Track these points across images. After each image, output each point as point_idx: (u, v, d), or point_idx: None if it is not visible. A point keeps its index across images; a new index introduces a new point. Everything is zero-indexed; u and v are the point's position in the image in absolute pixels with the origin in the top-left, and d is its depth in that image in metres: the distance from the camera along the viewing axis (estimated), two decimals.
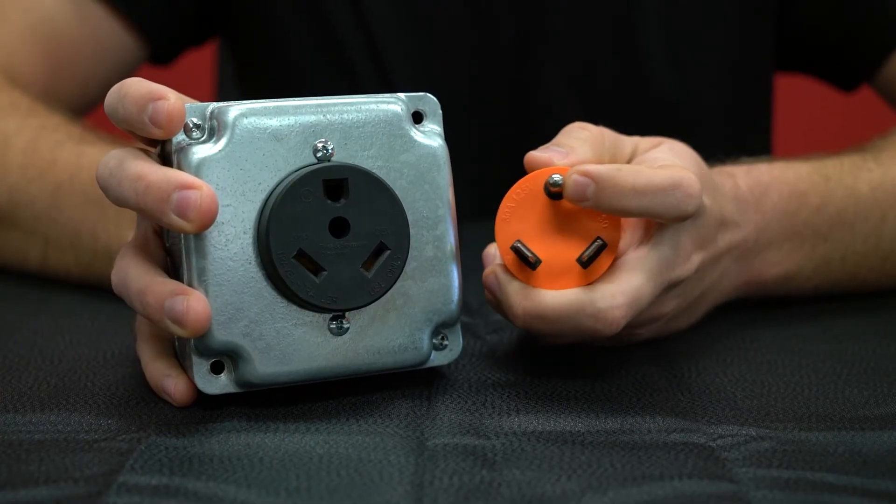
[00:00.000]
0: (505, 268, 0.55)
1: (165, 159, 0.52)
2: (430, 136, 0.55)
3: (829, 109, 1.57)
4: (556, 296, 0.53)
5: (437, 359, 0.55)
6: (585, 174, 0.52)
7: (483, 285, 0.56)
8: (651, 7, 0.90)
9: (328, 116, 0.52)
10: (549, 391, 0.56)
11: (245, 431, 0.50)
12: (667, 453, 0.48)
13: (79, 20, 0.87)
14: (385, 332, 0.54)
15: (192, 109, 0.51)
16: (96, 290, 0.69)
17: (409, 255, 0.53)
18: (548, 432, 0.51)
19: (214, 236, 0.50)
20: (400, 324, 0.54)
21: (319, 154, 0.52)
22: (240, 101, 0.52)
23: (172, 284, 0.50)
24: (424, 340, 0.54)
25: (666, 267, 0.55)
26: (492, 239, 0.56)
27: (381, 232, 0.52)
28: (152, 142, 0.53)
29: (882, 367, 0.60)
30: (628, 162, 0.58)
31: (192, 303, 0.49)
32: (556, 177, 0.53)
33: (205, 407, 0.53)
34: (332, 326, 0.52)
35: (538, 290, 0.54)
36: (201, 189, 0.48)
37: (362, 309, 0.53)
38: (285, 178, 0.51)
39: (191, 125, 0.51)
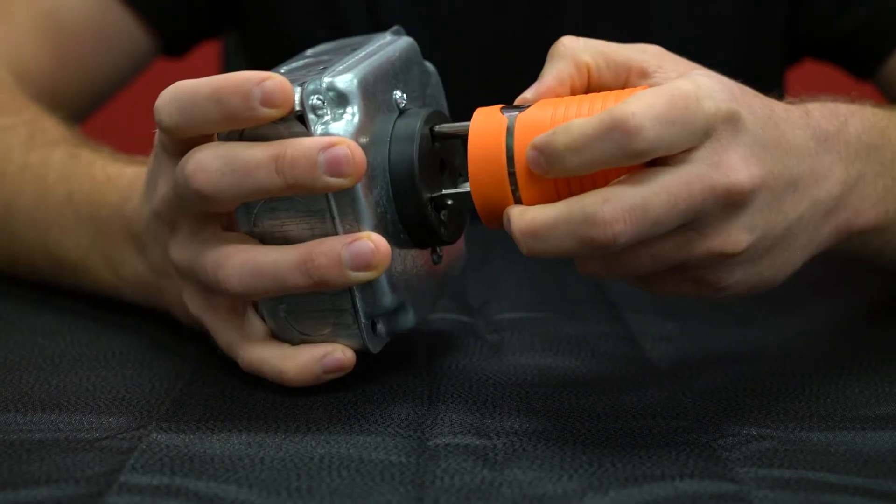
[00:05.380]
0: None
1: None
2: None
3: None
4: (543, 208, 0.48)
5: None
6: (533, 147, 0.48)
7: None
8: (662, 3, 0.90)
9: (386, 63, 0.53)
10: (550, 391, 0.56)
11: (246, 431, 0.50)
12: (668, 453, 0.48)
13: (87, 13, 0.86)
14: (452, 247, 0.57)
15: (306, 92, 0.49)
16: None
17: None
18: (548, 432, 0.51)
19: (361, 194, 0.50)
20: None
21: (398, 100, 0.53)
22: (326, 67, 0.51)
23: (338, 237, 0.49)
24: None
25: (697, 177, 0.48)
26: (492, 239, 0.56)
27: (460, 163, 0.54)
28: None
29: (882, 367, 0.60)
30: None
31: (375, 239, 0.49)
32: None
33: (206, 404, 0.53)
34: (434, 258, 0.55)
35: (529, 207, 0.48)
36: (345, 143, 0.48)
37: None
38: (392, 128, 0.52)
39: (315, 105, 0.49)
